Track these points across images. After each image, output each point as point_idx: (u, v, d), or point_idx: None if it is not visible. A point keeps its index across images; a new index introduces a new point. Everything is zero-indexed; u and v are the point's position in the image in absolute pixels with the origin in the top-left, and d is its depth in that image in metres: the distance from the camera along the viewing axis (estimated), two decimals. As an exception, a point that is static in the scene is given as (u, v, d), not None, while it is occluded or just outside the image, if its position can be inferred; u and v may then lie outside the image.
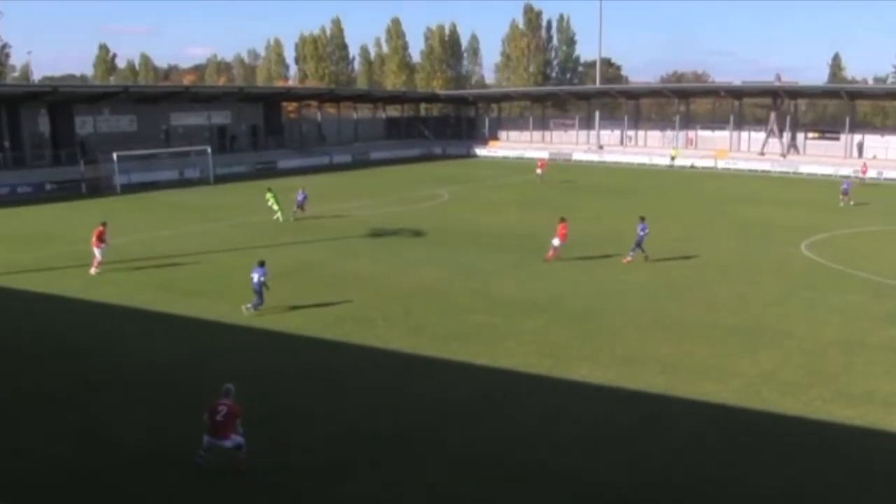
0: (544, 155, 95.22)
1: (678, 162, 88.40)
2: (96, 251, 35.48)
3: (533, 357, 24.44)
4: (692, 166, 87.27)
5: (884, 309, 29.38)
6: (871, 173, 73.01)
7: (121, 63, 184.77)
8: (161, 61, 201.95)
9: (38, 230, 48.25)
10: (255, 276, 28.29)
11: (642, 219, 36.94)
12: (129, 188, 67.54)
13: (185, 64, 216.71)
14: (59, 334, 26.94)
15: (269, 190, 51.60)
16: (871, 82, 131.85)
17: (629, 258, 36.97)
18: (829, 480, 16.94)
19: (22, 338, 26.49)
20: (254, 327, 27.34)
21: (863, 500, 16.22)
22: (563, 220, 37.42)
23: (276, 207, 50.19)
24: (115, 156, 66.80)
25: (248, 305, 28.45)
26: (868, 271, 35.37)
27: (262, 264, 28.60)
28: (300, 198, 50.94)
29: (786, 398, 21.15)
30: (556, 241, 36.91)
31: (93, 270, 35.18)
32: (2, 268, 36.87)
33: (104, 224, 36.43)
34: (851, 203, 56.87)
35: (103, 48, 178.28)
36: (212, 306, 29.79)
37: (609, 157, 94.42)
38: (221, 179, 71.18)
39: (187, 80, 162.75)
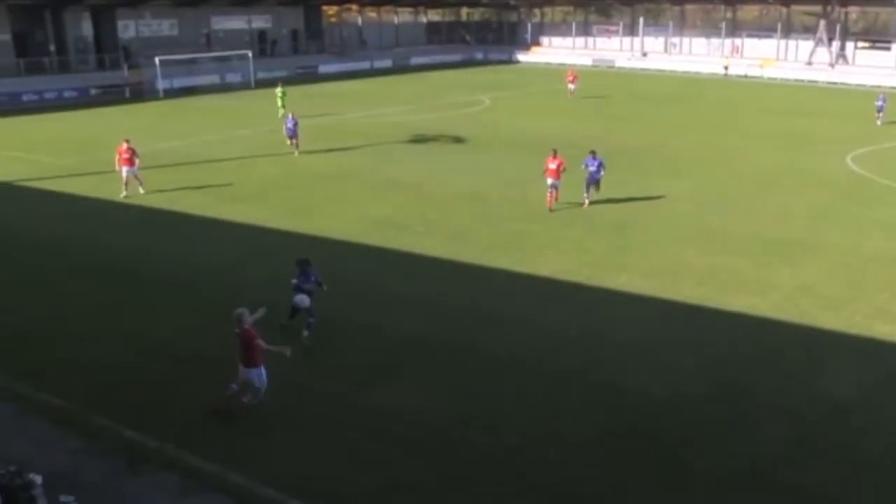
0: (586, 61, 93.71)
1: (732, 70, 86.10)
2: (123, 171, 32.38)
3: (572, 265, 24.38)
4: (745, 76, 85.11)
5: (927, 224, 28.81)
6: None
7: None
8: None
9: (83, 135, 48.52)
10: (303, 295, 18.53)
11: (593, 154, 30.19)
12: (172, 93, 67.46)
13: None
14: (103, 240, 27.33)
15: (282, 85, 53.60)
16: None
17: (586, 203, 30.53)
18: (865, 393, 16.86)
19: (67, 242, 26.90)
20: (293, 231, 27.44)
21: (885, 410, 16.18)
22: (553, 152, 29.87)
23: (280, 105, 51.32)
24: (157, 60, 66.56)
25: (306, 333, 18.77)
26: (915, 185, 34.67)
27: (305, 267, 18.78)
28: (290, 124, 40.71)
29: (825, 312, 20.95)
30: (549, 181, 29.91)
31: (122, 195, 32.29)
32: (48, 172, 37.26)
33: (127, 141, 32.66)
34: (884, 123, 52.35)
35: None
36: (252, 211, 29.93)
37: (653, 64, 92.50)
38: (262, 84, 70.78)
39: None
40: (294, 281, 18.54)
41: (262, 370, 15.22)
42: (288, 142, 40.52)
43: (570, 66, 75.08)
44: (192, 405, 15.90)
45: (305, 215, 29.15)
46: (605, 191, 30.64)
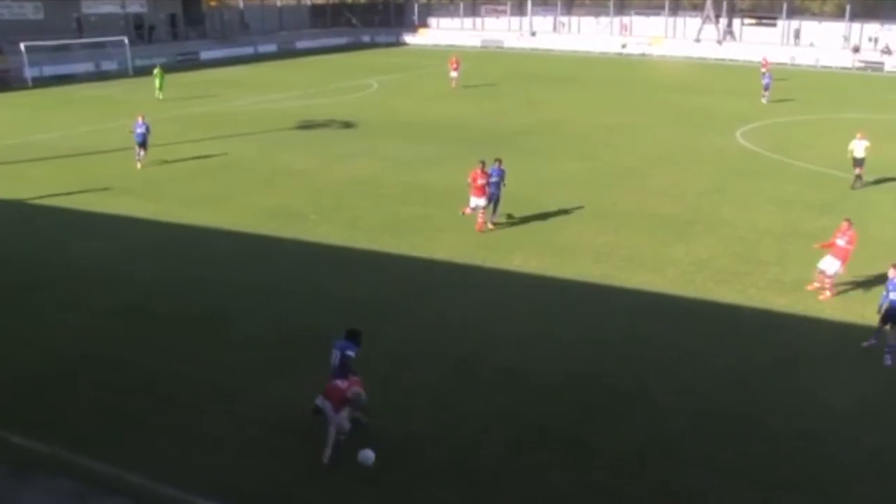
0: (475, 42, 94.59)
1: (628, 50, 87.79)
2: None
3: (468, 248, 24.76)
4: (637, 54, 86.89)
5: (818, 198, 30.16)
6: (808, 60, 73.36)
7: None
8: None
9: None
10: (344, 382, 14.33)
11: (499, 162, 26.72)
12: (42, 81, 65.12)
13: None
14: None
15: (160, 67, 55.68)
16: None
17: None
18: (762, 365, 17.65)
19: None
20: (182, 224, 27.07)
21: (799, 382, 16.95)
22: (481, 164, 26.21)
23: (158, 85, 53.70)
24: (22, 46, 64.04)
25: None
26: (803, 160, 36.12)
27: (353, 340, 15.09)
28: (140, 129, 35.00)
29: (721, 286, 21.83)
30: (472, 201, 26.32)
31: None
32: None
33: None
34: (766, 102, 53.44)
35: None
36: (138, 205, 29.36)
37: (542, 44, 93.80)
38: (141, 72, 69.17)
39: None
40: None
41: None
42: (136, 151, 35.12)
43: (454, 51, 74.38)
44: (81, 407, 15.66)
45: (194, 207, 28.77)
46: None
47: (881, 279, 22.18)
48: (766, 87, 53.78)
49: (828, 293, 21.18)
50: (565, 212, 28.20)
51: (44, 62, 67.28)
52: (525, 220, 27.37)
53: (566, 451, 14.42)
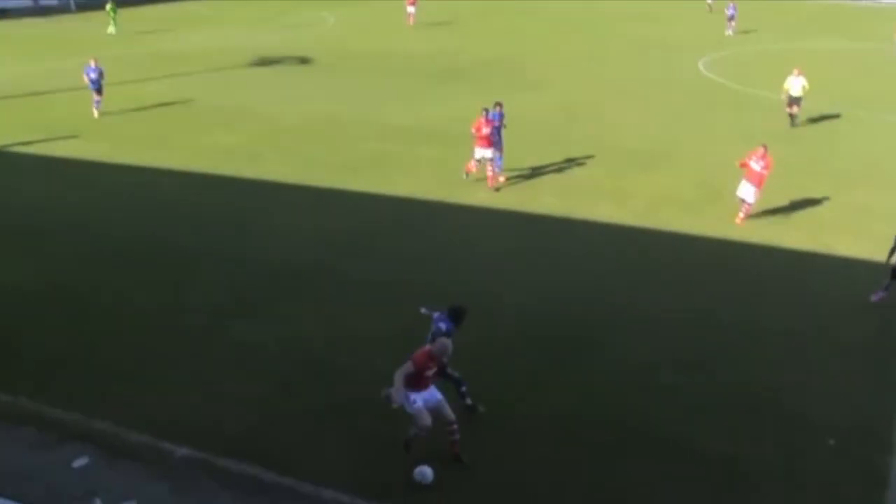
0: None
1: None
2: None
3: (430, 184, 24.74)
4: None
5: (780, 128, 30.37)
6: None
7: None
8: None
9: None
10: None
11: (499, 106, 25.12)
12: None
13: None
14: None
15: (112, 2, 55.00)
16: None
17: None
18: (726, 297, 17.94)
19: None
20: (139, 165, 26.71)
21: (760, 312, 17.27)
22: (485, 112, 24.27)
23: (112, 23, 54.13)
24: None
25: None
26: (766, 89, 36.29)
27: (451, 316, 13.28)
28: (92, 75, 32.80)
29: (683, 217, 22.06)
30: (477, 152, 24.47)
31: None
32: None
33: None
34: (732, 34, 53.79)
35: None
36: (91, 147, 28.86)
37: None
38: (85, 6, 67.36)
39: None
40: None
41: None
42: (92, 99, 33.01)
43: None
44: (44, 353, 15.58)
45: (151, 148, 28.33)
46: (460, 106, 30.94)
47: (845, 209, 22.69)
48: (731, 19, 53.51)
49: (742, 215, 21.68)
50: (528, 145, 28.17)
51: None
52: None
53: (534, 384, 14.60)
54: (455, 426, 12.13)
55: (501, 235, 21.23)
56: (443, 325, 13.10)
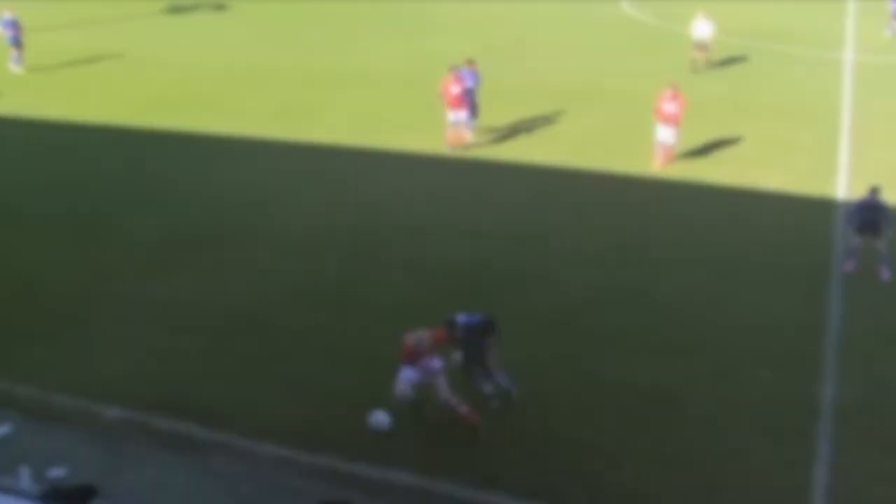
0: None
1: None
2: None
3: (355, 130, 24.53)
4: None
5: (708, 68, 30.32)
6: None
7: None
8: None
9: None
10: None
11: (471, 63, 24.07)
12: None
13: None
14: None
15: None
16: None
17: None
18: (652, 234, 18.23)
19: None
20: (51, 121, 25.91)
21: (684, 252, 17.55)
22: (453, 70, 23.12)
23: None
24: None
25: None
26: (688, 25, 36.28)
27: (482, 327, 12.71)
28: (9, 31, 30.88)
29: (614, 157, 22.21)
30: (450, 115, 22.93)
31: None
32: None
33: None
34: None
35: None
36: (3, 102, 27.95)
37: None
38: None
39: None
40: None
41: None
42: (10, 55, 31.18)
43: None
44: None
45: (64, 101, 27.51)
46: (383, 53, 30.58)
47: (769, 144, 23.09)
48: None
49: (660, 159, 21.75)
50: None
51: None
52: (408, 99, 27.22)
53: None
54: (450, 403, 11.97)
55: (426, 183, 21.13)
56: (461, 320, 12.40)
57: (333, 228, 18.54)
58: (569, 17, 39.01)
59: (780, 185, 20.41)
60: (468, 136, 23.29)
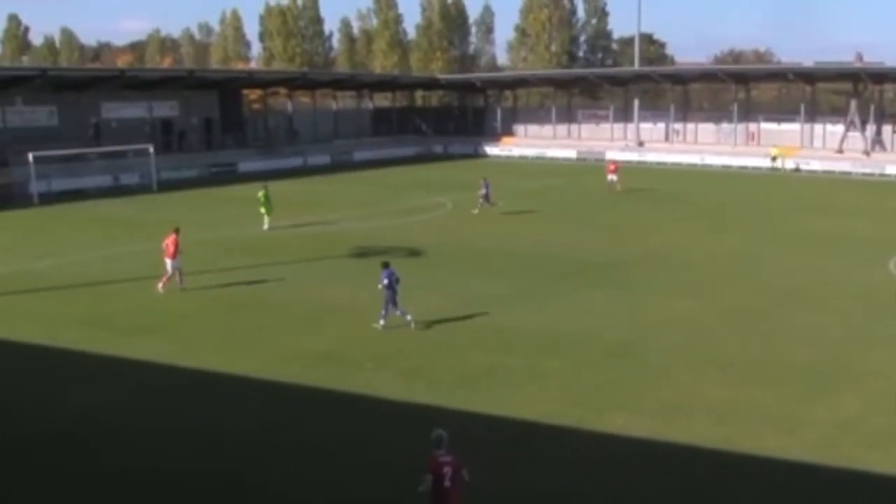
0: (569, 153, 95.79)
1: (781, 164, 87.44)
2: (168, 263, 36.83)
3: (558, 404, 24.60)
4: (797, 169, 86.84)
5: None
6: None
7: (36, 39, 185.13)
8: (88, 38, 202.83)
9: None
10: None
11: (385, 264, 32.29)
12: (50, 198, 67.38)
13: (119, 41, 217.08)
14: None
15: (265, 188, 53.74)
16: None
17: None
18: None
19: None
20: (208, 370, 27.46)
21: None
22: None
23: (265, 212, 52.54)
24: (30, 157, 66.14)
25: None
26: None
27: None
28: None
29: (872, 452, 21.33)
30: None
31: (160, 287, 36.70)
32: None
33: (177, 231, 37.60)
34: None
35: (13, 20, 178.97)
36: (153, 345, 29.89)
37: (651, 156, 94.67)
38: (167, 186, 71.22)
39: (122, 62, 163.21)
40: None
41: None
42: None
43: (611, 160, 75.26)
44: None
45: (223, 351, 29.15)
46: (596, 311, 30.97)
47: None
48: None
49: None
50: (673, 360, 27.95)
51: (54, 175, 69.38)
52: (623, 370, 27.25)
53: None
54: None
55: (640, 470, 20.83)
56: None
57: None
58: (825, 279, 38.82)
59: None
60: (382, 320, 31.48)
